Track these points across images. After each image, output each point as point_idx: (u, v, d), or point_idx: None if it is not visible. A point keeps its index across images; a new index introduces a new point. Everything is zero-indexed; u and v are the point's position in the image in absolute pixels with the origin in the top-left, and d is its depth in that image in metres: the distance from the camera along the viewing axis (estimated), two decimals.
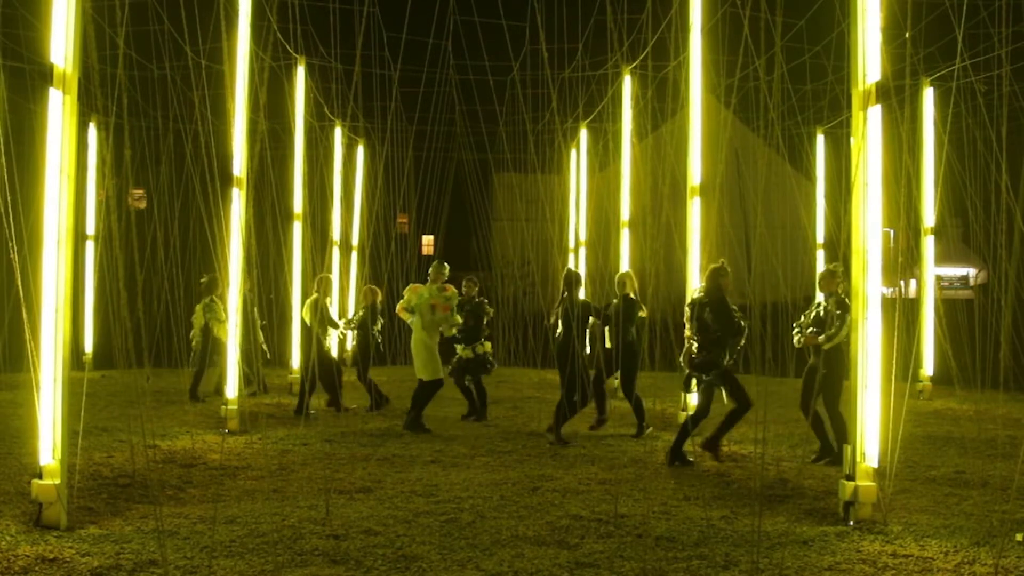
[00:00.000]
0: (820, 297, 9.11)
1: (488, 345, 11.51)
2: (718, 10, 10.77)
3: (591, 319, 10.02)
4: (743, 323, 8.44)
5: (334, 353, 14.53)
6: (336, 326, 12.48)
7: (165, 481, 7.61)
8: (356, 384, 13.36)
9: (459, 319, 10.95)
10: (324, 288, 11.80)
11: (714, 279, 8.46)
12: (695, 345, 8.45)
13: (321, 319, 11.57)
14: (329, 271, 16.72)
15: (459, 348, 11.46)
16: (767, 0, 7.24)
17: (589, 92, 16.27)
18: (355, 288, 17.63)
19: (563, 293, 9.94)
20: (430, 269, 11.00)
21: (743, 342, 8.52)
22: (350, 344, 15.66)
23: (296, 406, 11.74)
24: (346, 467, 8.32)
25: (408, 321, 10.88)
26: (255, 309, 12.63)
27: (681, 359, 8.65)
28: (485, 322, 11.56)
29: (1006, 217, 9.17)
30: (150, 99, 14.57)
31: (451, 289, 10.83)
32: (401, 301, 10.91)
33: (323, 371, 11.71)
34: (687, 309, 8.68)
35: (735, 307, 8.53)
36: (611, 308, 10.42)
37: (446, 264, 11.05)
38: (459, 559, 5.53)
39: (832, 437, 8.59)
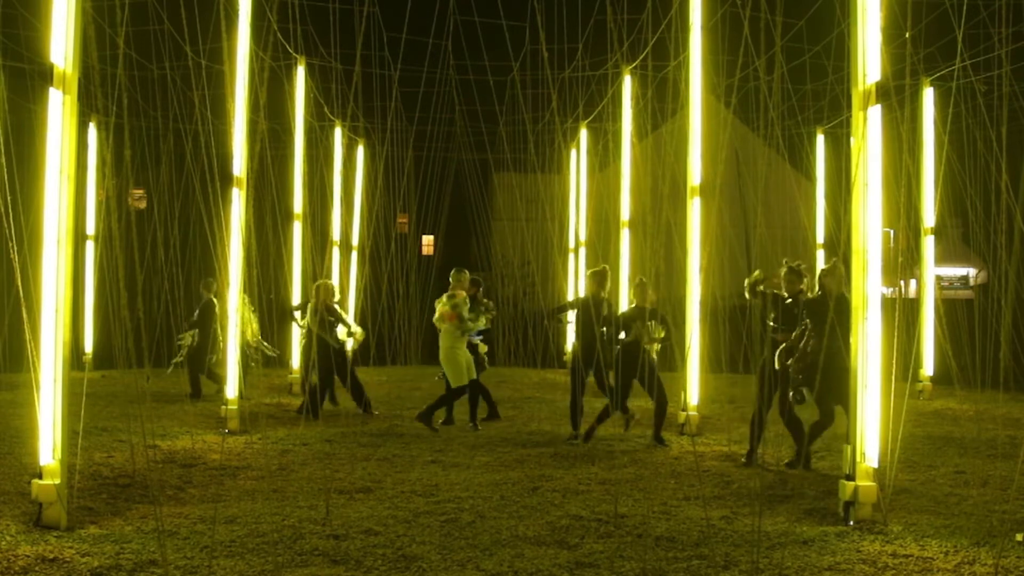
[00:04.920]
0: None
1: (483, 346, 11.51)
2: (718, 10, 10.78)
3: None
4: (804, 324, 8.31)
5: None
6: (347, 325, 12.28)
7: (165, 481, 7.61)
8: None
9: (472, 324, 10.91)
10: (322, 294, 11.81)
11: (822, 281, 8.29)
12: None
13: (321, 322, 11.56)
14: (329, 272, 16.73)
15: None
16: (767, 0, 7.24)
17: (589, 92, 16.28)
18: (355, 289, 17.62)
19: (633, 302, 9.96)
20: (451, 276, 11.07)
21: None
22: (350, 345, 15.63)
23: (300, 406, 11.75)
24: (346, 467, 8.32)
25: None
26: (250, 313, 12.64)
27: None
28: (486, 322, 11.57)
29: (1006, 217, 9.17)
30: (150, 99, 14.57)
31: (460, 294, 10.87)
32: (435, 315, 11.05)
33: (321, 375, 11.71)
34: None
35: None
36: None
37: (465, 271, 11.07)
38: (459, 559, 5.53)
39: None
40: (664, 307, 10.86)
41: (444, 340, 10.75)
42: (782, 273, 8.83)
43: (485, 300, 11.77)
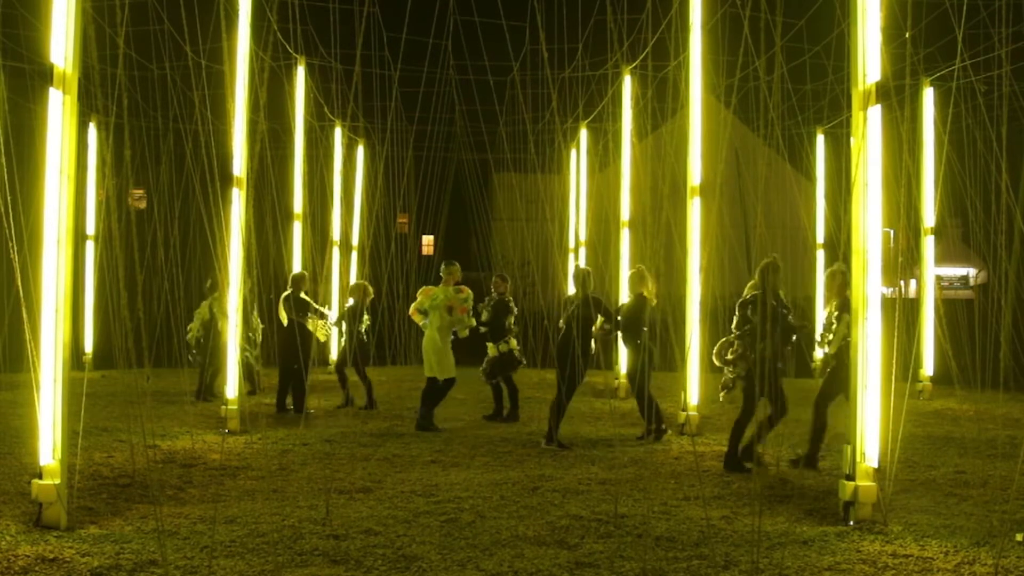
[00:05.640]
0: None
1: (514, 342, 11.52)
2: (718, 10, 10.77)
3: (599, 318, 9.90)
4: (792, 322, 8.40)
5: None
6: (320, 314, 12.22)
7: (165, 481, 7.61)
8: (356, 383, 13.32)
9: (473, 321, 10.99)
10: (298, 284, 11.80)
11: (764, 276, 8.37)
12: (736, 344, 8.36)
13: (300, 311, 11.55)
14: (329, 271, 16.74)
15: (490, 347, 11.46)
16: (767, 0, 7.24)
17: (589, 92, 16.27)
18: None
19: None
20: (441, 270, 11.01)
21: (791, 343, 8.48)
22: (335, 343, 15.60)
23: (292, 404, 11.75)
24: (346, 467, 8.32)
25: (420, 324, 10.93)
26: (254, 312, 12.63)
27: (715, 356, 8.58)
28: (512, 320, 11.62)
29: (1006, 217, 9.17)
30: (150, 99, 14.57)
31: (467, 290, 10.89)
32: (414, 303, 10.99)
33: (282, 368, 11.72)
34: (738, 308, 8.58)
35: (787, 306, 8.47)
36: (622, 307, 10.43)
37: (457, 264, 11.07)
38: (459, 559, 5.53)
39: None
40: (664, 306, 10.86)
41: (439, 333, 10.68)
42: (830, 274, 8.77)
43: (510, 298, 11.79)
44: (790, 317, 8.47)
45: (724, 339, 8.54)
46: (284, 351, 11.61)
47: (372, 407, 12.26)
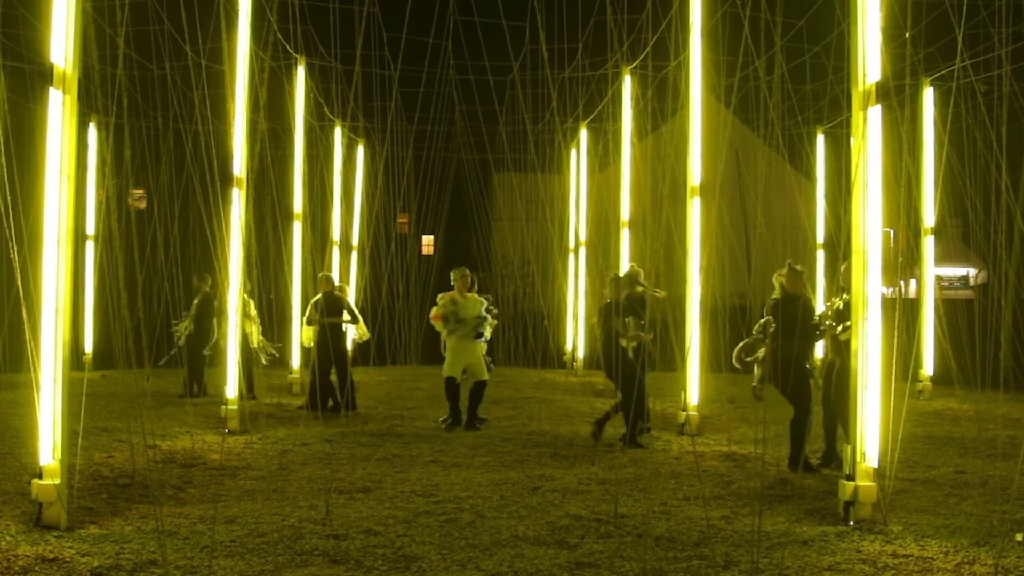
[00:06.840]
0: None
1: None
2: (718, 10, 10.78)
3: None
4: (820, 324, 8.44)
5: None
6: (357, 319, 12.30)
7: (165, 481, 7.61)
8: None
9: (494, 320, 11.05)
10: (324, 286, 11.81)
11: (791, 280, 8.37)
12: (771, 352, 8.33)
13: (334, 313, 11.57)
14: (329, 271, 16.74)
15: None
16: (767, 0, 7.25)
17: (589, 92, 16.29)
18: (355, 289, 17.63)
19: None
20: (452, 278, 11.08)
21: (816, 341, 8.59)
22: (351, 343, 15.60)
23: (318, 403, 11.67)
24: (346, 467, 8.32)
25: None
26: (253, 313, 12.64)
27: (735, 359, 8.57)
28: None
29: (1006, 217, 9.18)
30: (150, 99, 14.58)
31: (444, 296, 10.94)
32: (435, 311, 11.13)
33: (339, 370, 11.66)
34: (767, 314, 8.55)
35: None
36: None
37: (464, 269, 11.07)
38: (459, 559, 5.54)
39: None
40: (664, 306, 10.86)
41: (450, 339, 10.84)
42: (843, 268, 8.92)
43: (488, 299, 11.74)
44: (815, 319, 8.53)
45: (744, 341, 8.53)
46: (336, 353, 11.51)
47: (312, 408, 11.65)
